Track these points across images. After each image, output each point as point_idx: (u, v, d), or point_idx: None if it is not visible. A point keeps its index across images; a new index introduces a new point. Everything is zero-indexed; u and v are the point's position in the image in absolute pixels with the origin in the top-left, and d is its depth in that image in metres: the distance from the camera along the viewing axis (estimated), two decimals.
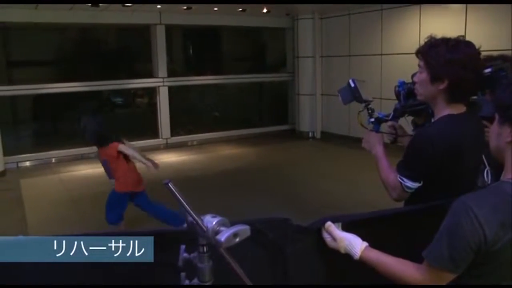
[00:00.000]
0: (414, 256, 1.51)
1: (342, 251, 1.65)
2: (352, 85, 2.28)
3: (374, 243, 1.64)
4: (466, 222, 1.35)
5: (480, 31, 7.06)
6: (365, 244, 1.63)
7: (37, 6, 7.74)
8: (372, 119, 2.32)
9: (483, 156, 2.07)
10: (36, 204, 6.26)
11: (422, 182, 1.93)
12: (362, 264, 1.61)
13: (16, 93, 8.74)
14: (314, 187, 6.75)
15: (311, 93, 10.76)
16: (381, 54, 9.13)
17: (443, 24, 7.71)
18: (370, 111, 2.33)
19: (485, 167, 2.08)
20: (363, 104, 2.32)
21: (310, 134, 11.04)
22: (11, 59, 9.40)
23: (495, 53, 2.49)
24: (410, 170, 1.93)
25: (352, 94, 2.28)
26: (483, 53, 2.41)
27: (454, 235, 1.38)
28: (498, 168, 2.16)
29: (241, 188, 6.86)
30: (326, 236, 1.71)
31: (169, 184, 1.26)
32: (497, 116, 1.46)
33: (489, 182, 2.14)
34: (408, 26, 8.51)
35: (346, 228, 1.71)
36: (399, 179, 1.95)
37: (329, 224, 1.70)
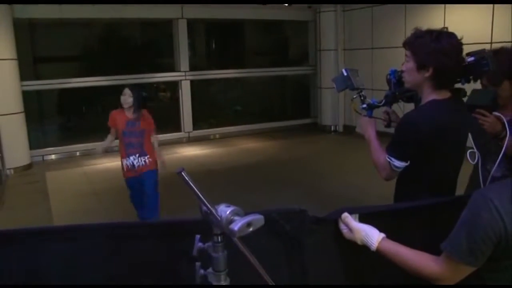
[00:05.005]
0: (431, 249, 1.48)
1: (359, 242, 1.63)
2: (345, 73, 2.45)
3: (391, 235, 1.62)
4: (486, 214, 1.32)
5: (509, 24, 6.84)
6: (382, 235, 1.61)
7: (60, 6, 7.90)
8: (364, 105, 2.46)
9: (472, 140, 2.23)
10: (61, 196, 6.38)
11: (409, 162, 2.06)
12: (379, 256, 1.59)
13: (42, 87, 8.89)
14: (336, 180, 6.71)
15: (333, 87, 10.60)
16: None
17: (469, 15, 7.54)
18: (362, 98, 2.48)
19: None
20: (356, 91, 2.47)
21: (333, 128, 10.95)
22: (37, 54, 9.57)
23: None
24: (397, 151, 2.08)
25: (345, 82, 2.46)
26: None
27: (473, 227, 1.35)
28: (482, 151, 2.32)
29: (263, 181, 6.86)
30: (342, 227, 1.70)
31: (182, 173, 1.26)
32: None
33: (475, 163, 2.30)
34: (432, 17, 8.34)
35: (363, 219, 1.70)
36: (388, 159, 2.10)
37: (345, 215, 1.69)
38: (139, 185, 4.62)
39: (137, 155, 4.54)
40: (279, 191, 6.22)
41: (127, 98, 4.50)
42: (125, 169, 4.62)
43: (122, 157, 4.63)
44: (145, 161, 4.56)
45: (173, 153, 9.00)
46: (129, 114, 4.56)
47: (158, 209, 4.69)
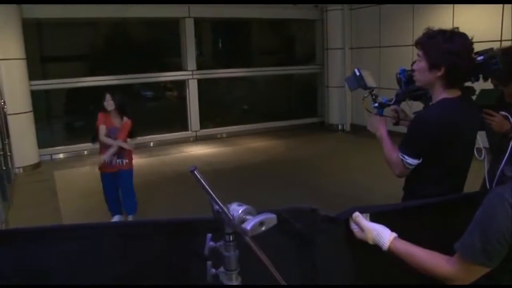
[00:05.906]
0: (443, 248, 1.47)
1: (370, 242, 1.62)
2: (358, 73, 2.51)
3: (402, 234, 1.61)
4: (501, 214, 1.31)
5: None
6: (393, 235, 1.60)
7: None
8: (376, 104, 2.51)
9: (486, 138, 2.30)
10: (69, 195, 6.40)
11: (421, 159, 2.10)
12: (390, 255, 1.58)
13: (50, 87, 8.93)
14: (343, 180, 6.69)
15: (340, 85, 10.62)
16: (412, 45, 8.90)
17: (478, 15, 7.47)
18: (374, 97, 2.53)
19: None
20: (368, 90, 2.53)
21: (340, 127, 10.93)
22: (45, 54, 9.61)
23: None
24: (411, 149, 2.12)
25: (358, 82, 2.50)
26: None
27: (488, 227, 1.34)
28: (493, 150, 2.40)
29: (269, 180, 6.85)
30: (354, 226, 1.69)
31: (195, 172, 1.26)
32: None
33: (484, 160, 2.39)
34: (440, 16, 8.28)
35: (374, 219, 1.69)
36: (401, 157, 2.13)
37: (357, 214, 1.68)
38: (114, 181, 4.92)
39: (115, 156, 4.81)
40: (286, 190, 6.21)
41: (109, 102, 4.78)
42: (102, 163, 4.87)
43: (101, 153, 4.88)
44: (122, 161, 4.85)
45: (180, 152, 9.02)
46: (114, 120, 4.85)
47: (135, 207, 4.91)
